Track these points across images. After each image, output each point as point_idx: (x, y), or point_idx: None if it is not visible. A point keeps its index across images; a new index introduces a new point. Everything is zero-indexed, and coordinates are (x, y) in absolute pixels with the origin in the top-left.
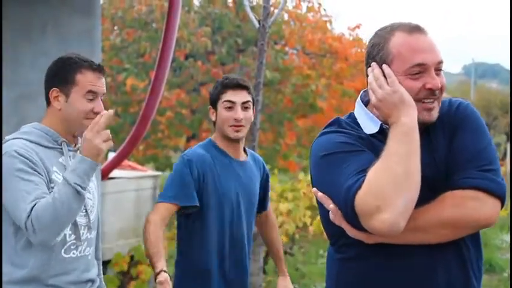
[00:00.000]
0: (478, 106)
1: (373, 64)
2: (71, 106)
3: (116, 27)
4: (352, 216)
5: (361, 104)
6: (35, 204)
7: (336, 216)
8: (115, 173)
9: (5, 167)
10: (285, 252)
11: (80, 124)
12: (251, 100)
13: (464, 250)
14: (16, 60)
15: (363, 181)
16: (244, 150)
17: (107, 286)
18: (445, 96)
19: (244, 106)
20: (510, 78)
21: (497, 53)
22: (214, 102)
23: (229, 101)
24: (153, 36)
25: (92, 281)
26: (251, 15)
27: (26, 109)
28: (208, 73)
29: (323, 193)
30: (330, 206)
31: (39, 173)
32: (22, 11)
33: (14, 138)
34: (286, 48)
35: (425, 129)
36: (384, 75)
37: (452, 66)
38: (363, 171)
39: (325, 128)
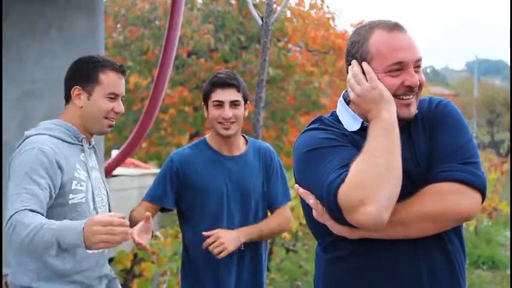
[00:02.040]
0: (482, 103)
1: (353, 62)
2: (93, 104)
3: (118, 25)
4: (335, 210)
5: (344, 102)
6: (24, 209)
7: (318, 213)
8: (118, 170)
9: (24, 157)
10: (288, 250)
11: (99, 122)
12: (240, 98)
13: (448, 244)
14: (21, 59)
15: (346, 175)
16: (247, 142)
17: None
18: (449, 92)
19: (234, 104)
20: (510, 75)
21: (501, 49)
22: (205, 100)
23: (217, 100)
24: (156, 34)
25: (107, 275)
26: (254, 13)
27: (30, 107)
28: (211, 70)
29: (306, 189)
30: (310, 201)
31: (50, 177)
32: (27, 10)
33: (36, 134)
34: (289, 45)
35: (406, 126)
36: (363, 73)
37: (455, 63)
38: (345, 166)
39: (308, 125)
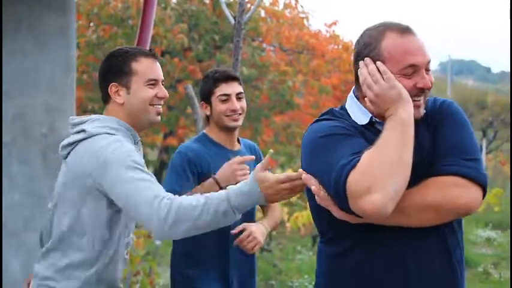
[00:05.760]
0: None
1: (367, 59)
2: (134, 97)
3: (91, 24)
4: (343, 196)
5: (353, 96)
6: (174, 195)
7: (320, 198)
8: None
9: (119, 157)
10: (262, 249)
11: (146, 112)
12: (243, 90)
13: (449, 244)
14: None
15: (357, 161)
16: (238, 140)
17: None
18: None
19: (238, 97)
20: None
21: (473, 50)
22: (207, 96)
23: (224, 94)
24: (129, 33)
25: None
26: (227, 12)
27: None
28: (185, 70)
29: (314, 173)
30: (312, 187)
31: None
32: None
33: (107, 133)
34: (264, 45)
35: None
36: (379, 72)
37: None
38: (358, 153)
39: (319, 116)
